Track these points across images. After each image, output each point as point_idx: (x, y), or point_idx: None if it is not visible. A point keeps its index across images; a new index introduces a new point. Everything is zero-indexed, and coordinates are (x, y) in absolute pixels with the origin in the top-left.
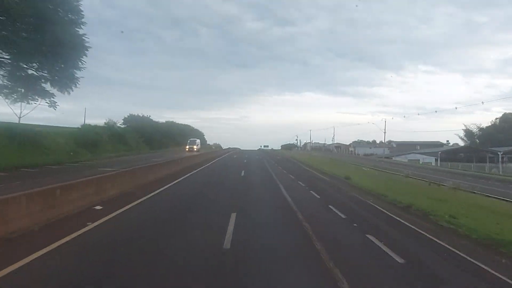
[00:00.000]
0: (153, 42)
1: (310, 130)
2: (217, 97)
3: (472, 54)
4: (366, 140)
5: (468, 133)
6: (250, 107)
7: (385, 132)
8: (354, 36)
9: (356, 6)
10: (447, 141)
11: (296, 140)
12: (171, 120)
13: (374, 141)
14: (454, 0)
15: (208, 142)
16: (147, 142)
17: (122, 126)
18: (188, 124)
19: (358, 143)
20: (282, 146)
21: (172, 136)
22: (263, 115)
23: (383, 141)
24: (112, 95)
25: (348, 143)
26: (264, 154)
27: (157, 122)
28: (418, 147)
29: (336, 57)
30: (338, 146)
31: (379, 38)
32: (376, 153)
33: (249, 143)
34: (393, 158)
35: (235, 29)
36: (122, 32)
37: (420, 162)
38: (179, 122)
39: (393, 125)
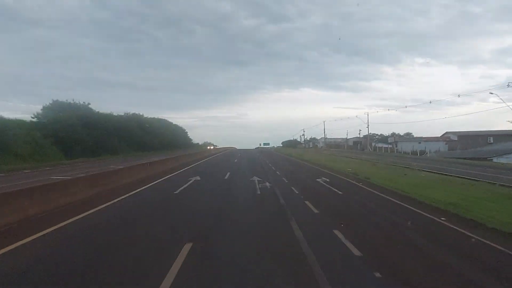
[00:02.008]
0: (148, 42)
1: (324, 122)
2: (214, 95)
3: (468, 45)
4: (385, 134)
5: None
6: (247, 104)
7: (368, 126)
8: (349, 30)
9: (358, 4)
10: None
11: (303, 135)
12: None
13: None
14: None
15: (195, 141)
16: (79, 144)
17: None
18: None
19: (401, 137)
20: (283, 143)
21: (130, 137)
22: (261, 112)
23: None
24: (107, 98)
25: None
26: (259, 158)
27: (104, 115)
28: (492, 139)
29: (332, 52)
30: (358, 142)
31: (375, 31)
32: (429, 149)
33: (248, 141)
34: (496, 160)
35: (230, 26)
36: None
37: None
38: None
39: (392, 118)
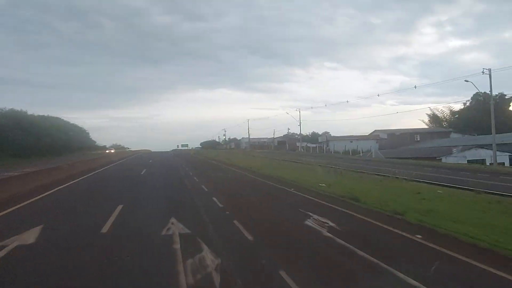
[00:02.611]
0: (50, 35)
1: (248, 120)
2: (126, 94)
3: (369, 52)
4: (304, 134)
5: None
6: (162, 105)
7: (300, 124)
8: (264, 33)
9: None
10: None
11: (224, 135)
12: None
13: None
14: (353, 2)
15: (101, 144)
16: None
17: None
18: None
19: (332, 137)
20: (202, 144)
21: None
22: (176, 113)
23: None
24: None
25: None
26: (176, 164)
27: None
28: (418, 137)
29: (248, 53)
30: (283, 142)
31: (288, 36)
32: (361, 148)
33: (164, 143)
34: (445, 160)
35: (143, 23)
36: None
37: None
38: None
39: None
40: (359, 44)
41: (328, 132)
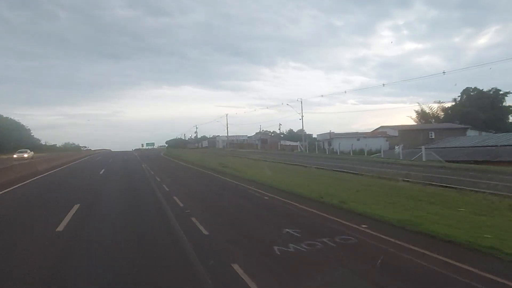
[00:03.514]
0: None
1: (227, 115)
2: (84, 90)
3: (332, 53)
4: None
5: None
6: (124, 101)
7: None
8: (230, 31)
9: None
10: None
11: (195, 132)
12: None
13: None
14: (317, 4)
15: (50, 143)
16: None
17: None
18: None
19: (336, 134)
20: (168, 142)
21: None
22: (140, 110)
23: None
24: None
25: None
26: (140, 173)
27: None
28: (433, 134)
29: (214, 51)
30: (265, 140)
31: (254, 34)
32: (370, 147)
33: (126, 140)
34: None
35: (103, 15)
36: None
37: None
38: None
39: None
40: (322, 44)
41: (331, 131)
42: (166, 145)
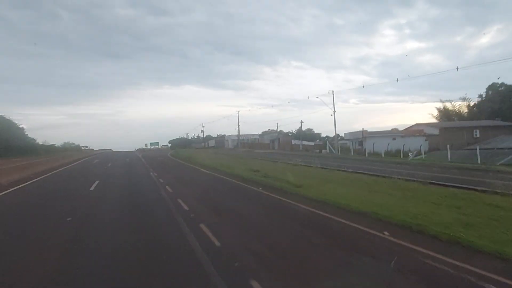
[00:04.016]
0: None
1: (238, 112)
2: (85, 90)
3: (333, 52)
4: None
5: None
6: (125, 101)
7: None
8: (231, 30)
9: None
10: None
11: (202, 131)
12: None
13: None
14: (318, 3)
15: (49, 143)
16: None
17: None
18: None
19: (369, 133)
20: (171, 142)
21: None
22: (141, 109)
23: None
24: None
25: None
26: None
27: None
28: (478, 133)
29: (215, 50)
30: (274, 140)
31: (255, 34)
32: (409, 147)
33: (129, 140)
34: None
35: (104, 15)
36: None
37: None
38: None
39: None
40: (323, 43)
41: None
42: (169, 145)
